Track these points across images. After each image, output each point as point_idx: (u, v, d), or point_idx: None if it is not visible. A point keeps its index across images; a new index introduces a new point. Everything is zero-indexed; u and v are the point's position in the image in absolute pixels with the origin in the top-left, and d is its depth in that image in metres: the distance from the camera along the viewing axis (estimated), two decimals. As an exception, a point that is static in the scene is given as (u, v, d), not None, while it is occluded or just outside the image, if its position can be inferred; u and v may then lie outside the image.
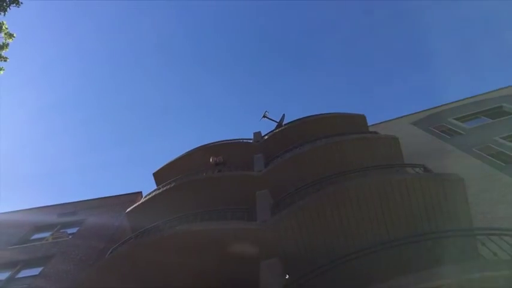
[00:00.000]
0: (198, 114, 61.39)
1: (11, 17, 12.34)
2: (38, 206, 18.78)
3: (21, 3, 11.95)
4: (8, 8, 11.92)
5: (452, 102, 22.15)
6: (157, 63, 56.51)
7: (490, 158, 15.28)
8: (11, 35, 12.34)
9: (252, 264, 10.28)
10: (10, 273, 13.94)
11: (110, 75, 54.95)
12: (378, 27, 55.23)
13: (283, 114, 19.76)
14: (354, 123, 17.38)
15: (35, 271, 13.82)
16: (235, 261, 10.70)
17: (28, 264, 14.35)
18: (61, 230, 16.57)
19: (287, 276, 9.79)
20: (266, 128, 23.35)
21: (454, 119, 19.98)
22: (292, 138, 16.56)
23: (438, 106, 22.30)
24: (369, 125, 18.53)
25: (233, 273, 10.65)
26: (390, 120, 22.82)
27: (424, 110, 22.42)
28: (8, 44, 12.34)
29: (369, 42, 56.15)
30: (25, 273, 14.02)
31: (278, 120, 19.76)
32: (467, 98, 22.03)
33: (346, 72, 58.91)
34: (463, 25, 52.01)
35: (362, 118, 17.88)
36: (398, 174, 11.99)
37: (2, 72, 12.31)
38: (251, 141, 18.70)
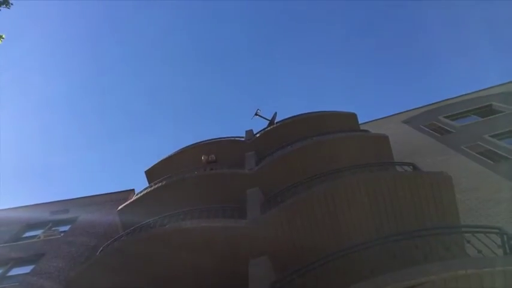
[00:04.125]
0: (192, 112, 61.31)
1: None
2: (30, 204, 18.74)
3: (12, 4, 11.84)
4: None
5: (443, 101, 22.38)
6: (151, 60, 56.36)
7: (478, 156, 15.42)
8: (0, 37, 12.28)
9: (242, 262, 10.37)
10: (1, 270, 13.96)
11: (102, 72, 54.77)
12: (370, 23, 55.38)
13: (275, 112, 19.79)
14: (345, 121, 17.47)
15: (27, 269, 13.78)
16: (225, 258, 10.79)
17: (19, 261, 14.35)
18: (53, 228, 16.57)
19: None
20: (259, 126, 23.33)
21: (445, 117, 20.18)
22: (284, 136, 16.61)
23: (429, 104, 22.51)
24: (360, 123, 18.67)
25: (223, 270, 10.74)
26: (382, 118, 23.00)
27: (416, 108, 22.63)
28: None
29: (365, 40, 56.25)
30: (16, 270, 14.02)
31: (270, 118, 19.79)
32: (457, 97, 22.23)
33: (340, 70, 58.96)
34: (455, 23, 52.16)
35: (353, 116, 17.99)
36: (387, 173, 12.12)
37: None
38: (243, 139, 18.77)
